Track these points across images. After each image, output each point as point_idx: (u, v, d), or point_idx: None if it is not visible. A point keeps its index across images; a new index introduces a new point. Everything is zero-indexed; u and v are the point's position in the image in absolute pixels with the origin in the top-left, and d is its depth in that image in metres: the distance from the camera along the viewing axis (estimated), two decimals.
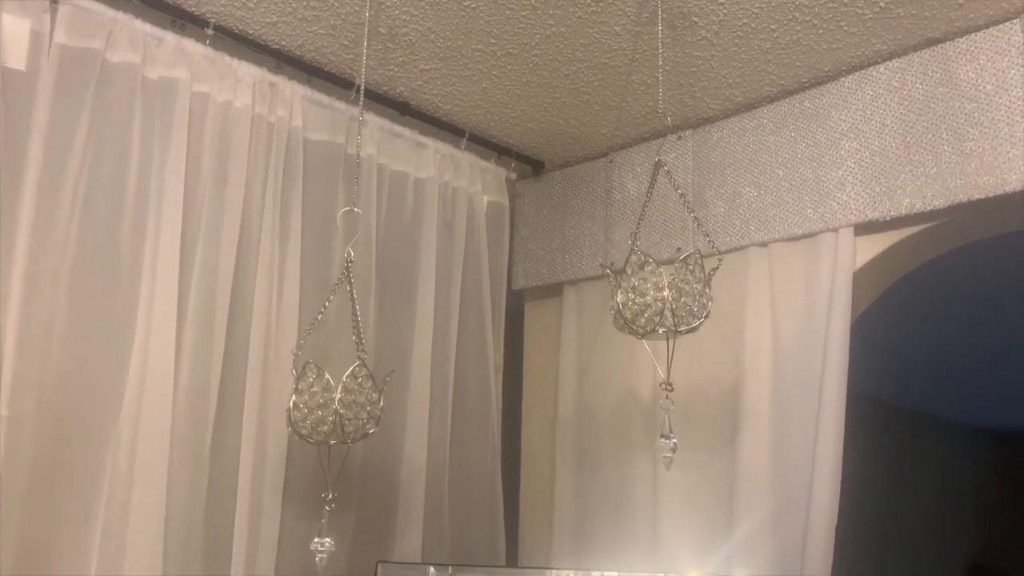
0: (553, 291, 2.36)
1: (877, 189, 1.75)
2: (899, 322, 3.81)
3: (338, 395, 1.33)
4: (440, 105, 2.03)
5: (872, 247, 1.80)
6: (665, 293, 1.29)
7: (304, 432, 1.36)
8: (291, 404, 1.36)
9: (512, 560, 2.18)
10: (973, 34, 1.67)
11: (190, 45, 1.69)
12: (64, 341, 1.50)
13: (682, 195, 1.55)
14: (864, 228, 1.79)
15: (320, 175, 1.88)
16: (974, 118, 1.65)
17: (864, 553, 5.01)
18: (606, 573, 1.64)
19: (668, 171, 1.48)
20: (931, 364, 4.80)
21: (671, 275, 1.32)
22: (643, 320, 1.31)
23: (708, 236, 1.50)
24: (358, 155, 1.58)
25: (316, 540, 1.42)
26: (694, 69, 1.83)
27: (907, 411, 5.82)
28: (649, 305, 1.31)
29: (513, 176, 2.32)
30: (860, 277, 1.80)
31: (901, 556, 5.64)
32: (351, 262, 1.47)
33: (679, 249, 1.96)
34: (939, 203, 1.67)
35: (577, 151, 2.26)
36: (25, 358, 1.44)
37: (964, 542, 6.29)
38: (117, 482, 1.51)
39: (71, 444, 1.49)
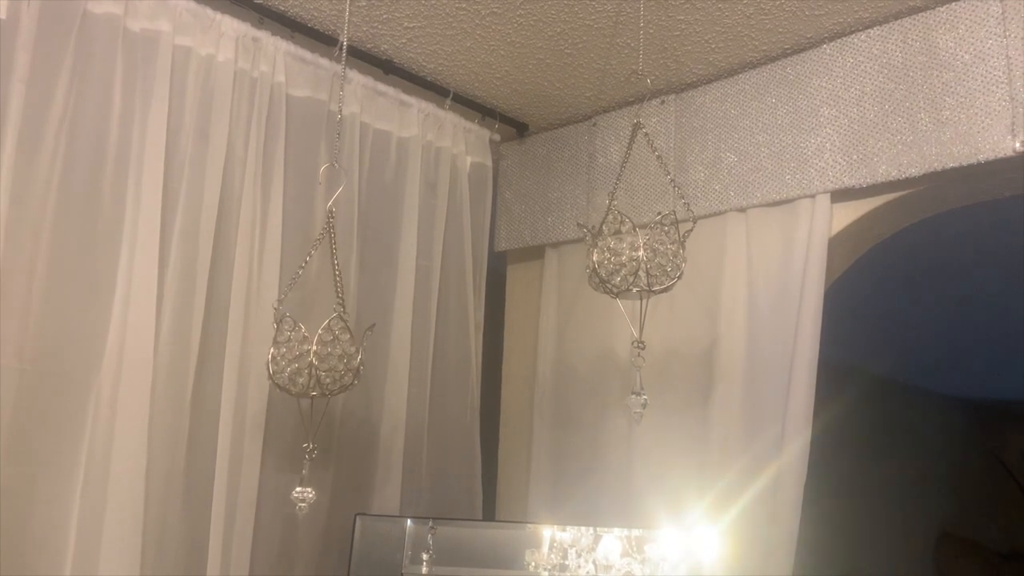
0: (535, 253, 2.38)
1: (854, 156, 1.77)
2: (874, 289, 3.85)
3: (313, 347, 1.35)
4: (424, 64, 2.03)
5: (848, 214, 1.83)
6: (640, 253, 1.32)
7: (282, 383, 1.38)
8: (270, 356, 1.38)
9: (489, 514, 2.23)
10: (954, 3, 1.69)
11: None
12: (45, 291, 1.51)
13: (659, 158, 1.56)
14: (841, 195, 1.81)
15: (303, 131, 1.89)
16: (951, 87, 1.67)
17: (835, 519, 5.12)
18: (582, 528, 1.67)
19: (647, 134, 1.49)
20: (904, 332, 4.86)
21: (646, 236, 1.34)
22: (618, 279, 1.34)
23: (684, 199, 1.52)
24: (340, 112, 1.57)
25: (298, 489, 1.44)
26: (677, 33, 1.84)
27: (879, 378, 5.91)
28: (624, 265, 1.33)
29: (497, 138, 2.33)
30: (835, 243, 1.84)
31: (872, 522, 5.76)
32: (332, 217, 1.48)
33: (659, 213, 1.98)
34: (914, 171, 1.70)
35: (561, 114, 2.27)
36: (6, 308, 1.45)
37: (935, 510, 6.42)
38: (99, 430, 1.53)
39: (53, 392, 1.51)
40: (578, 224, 1.47)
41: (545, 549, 1.61)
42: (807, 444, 1.76)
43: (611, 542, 1.57)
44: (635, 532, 1.61)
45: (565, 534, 1.62)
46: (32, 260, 1.50)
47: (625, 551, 1.57)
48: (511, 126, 2.34)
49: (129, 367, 1.57)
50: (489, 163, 2.30)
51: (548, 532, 1.67)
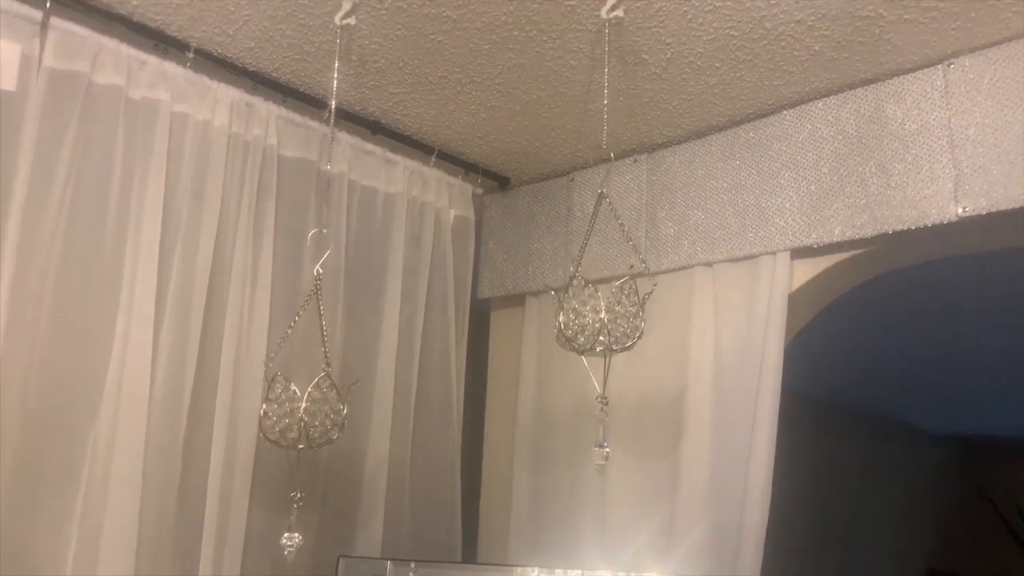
0: (516, 301, 2.48)
1: (812, 217, 1.88)
2: (860, 332, 3.98)
3: (303, 404, 1.45)
4: (410, 124, 2.15)
5: (808, 270, 1.93)
6: (602, 315, 1.42)
7: (273, 438, 1.48)
8: (261, 412, 1.48)
9: (471, 556, 2.31)
10: (900, 77, 1.80)
11: (171, 68, 1.80)
12: (48, 345, 1.60)
13: (622, 225, 1.68)
14: (800, 252, 1.92)
15: (293, 190, 2.00)
16: (900, 155, 1.78)
17: (822, 555, 5.18)
18: (569, 572, 1.72)
19: (610, 203, 1.60)
20: (892, 372, 4.98)
21: (608, 298, 1.45)
22: (582, 339, 1.44)
23: (644, 263, 1.63)
24: (328, 181, 1.68)
25: (285, 535, 1.53)
26: (646, 100, 1.96)
27: (866, 416, 6.00)
28: (588, 325, 1.43)
29: (479, 191, 2.44)
30: (796, 298, 1.94)
31: (860, 559, 5.81)
32: (320, 280, 1.58)
33: (632, 266, 2.10)
34: (867, 232, 1.81)
35: (540, 169, 2.38)
36: (11, 360, 1.55)
37: (921, 546, 6.47)
38: (94, 480, 1.62)
39: (52, 443, 1.60)
40: (547, 286, 1.58)
41: None
42: (769, 487, 1.85)
43: None
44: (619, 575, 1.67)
45: None
46: (36, 315, 1.60)
47: None
48: (493, 179, 2.45)
49: (125, 416, 1.66)
50: (472, 216, 2.41)
51: (529, 574, 1.74)
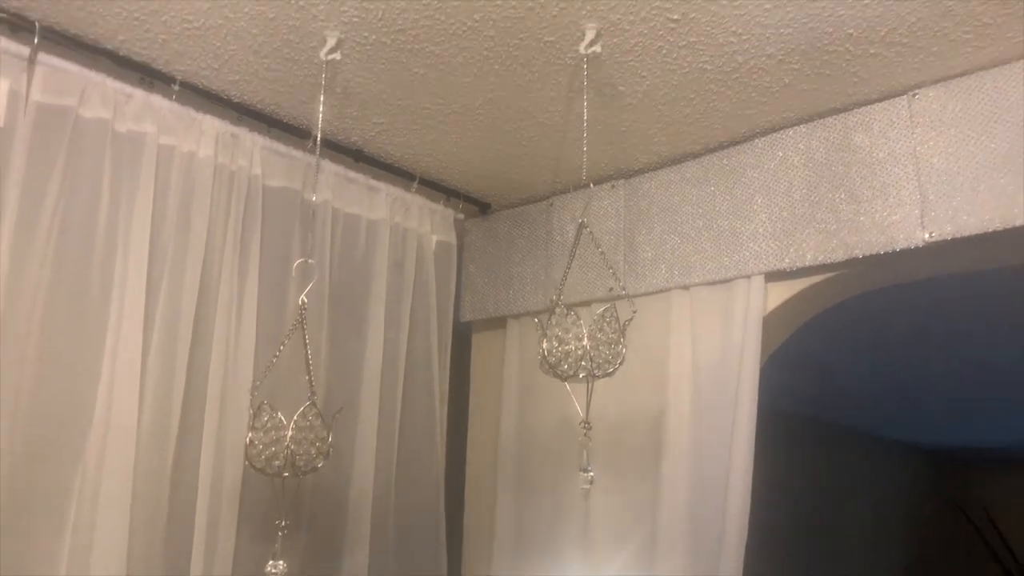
0: (498, 323, 2.52)
1: (785, 241, 1.94)
2: (832, 350, 4.06)
3: (290, 432, 1.48)
4: (392, 152, 2.19)
5: (781, 293, 1.99)
6: (585, 343, 1.46)
7: (259, 466, 1.50)
8: (248, 441, 1.50)
9: None
10: (868, 106, 1.87)
11: (157, 101, 1.82)
12: (36, 376, 1.61)
13: (603, 254, 1.73)
14: (774, 276, 1.97)
15: (278, 219, 2.02)
16: (868, 181, 1.85)
17: (798, 566, 5.24)
18: None
19: (591, 232, 1.64)
20: (864, 389, 5.07)
21: (590, 326, 1.49)
22: (565, 366, 1.48)
23: (625, 290, 1.67)
24: (313, 213, 1.71)
25: (271, 563, 1.55)
26: (623, 129, 2.01)
27: (842, 428, 6.09)
28: (570, 353, 1.47)
29: (461, 216, 2.48)
30: (770, 319, 1.99)
31: (837, 570, 5.88)
32: (305, 309, 1.61)
33: (611, 288, 2.15)
34: (838, 256, 1.86)
35: (520, 194, 2.43)
36: (0, 388, 1.56)
37: (895, 557, 6.56)
38: (83, 508, 1.63)
39: (41, 472, 1.60)
40: (529, 312, 1.62)
41: None
42: (747, 504, 1.89)
43: None
44: None
45: None
46: (24, 346, 1.61)
47: None
48: (474, 204, 2.49)
49: (113, 444, 1.67)
50: (454, 241, 2.45)
51: None
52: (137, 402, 1.71)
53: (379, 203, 2.24)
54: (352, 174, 2.18)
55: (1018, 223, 1.64)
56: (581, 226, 1.59)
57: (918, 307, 3.31)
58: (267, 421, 1.49)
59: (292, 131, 2.04)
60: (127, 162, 1.78)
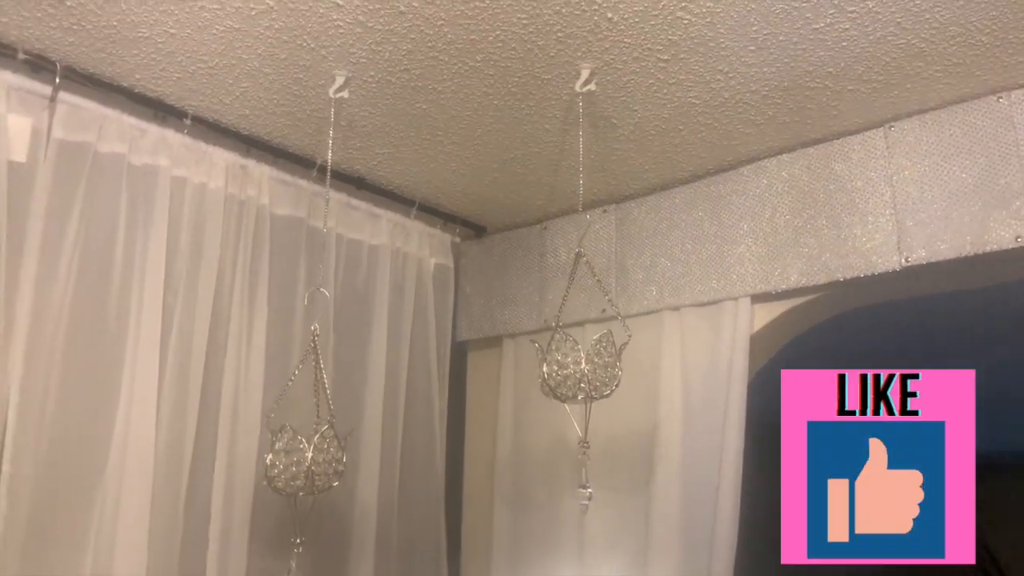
0: (493, 343, 2.60)
1: (770, 265, 2.04)
2: (817, 366, 4.15)
3: (310, 454, 1.56)
4: (393, 180, 2.27)
5: (767, 314, 2.08)
6: (583, 366, 1.55)
7: (279, 486, 1.58)
8: (268, 461, 1.58)
9: None
10: (847, 137, 1.97)
11: (170, 135, 1.90)
12: (58, 404, 1.68)
13: (599, 281, 1.82)
14: (760, 297, 2.07)
15: (284, 246, 2.10)
16: (848, 208, 1.95)
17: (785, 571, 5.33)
18: None
19: (587, 260, 1.74)
20: None
21: (588, 350, 1.58)
22: (564, 388, 1.57)
23: (620, 315, 1.76)
24: (324, 244, 1.79)
25: None
26: (615, 158, 2.11)
27: None
28: (569, 376, 1.56)
29: (457, 240, 2.57)
30: (757, 339, 2.08)
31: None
32: (318, 335, 1.69)
33: (604, 310, 2.24)
34: (820, 279, 1.96)
35: (515, 218, 2.52)
36: (24, 419, 1.63)
37: None
38: (104, 524, 1.70)
39: (63, 497, 1.67)
40: (531, 340, 1.71)
41: None
42: (736, 520, 1.98)
43: None
44: None
45: None
46: (47, 376, 1.68)
47: None
48: (470, 228, 2.58)
49: (132, 462, 1.74)
50: (451, 264, 2.54)
51: None
52: (154, 423, 1.78)
53: (381, 229, 2.33)
54: (355, 201, 2.27)
55: (989, 248, 1.75)
56: (578, 256, 1.68)
57: (895, 326, 3.41)
58: (288, 442, 1.57)
59: (298, 161, 2.12)
60: (142, 194, 1.86)
